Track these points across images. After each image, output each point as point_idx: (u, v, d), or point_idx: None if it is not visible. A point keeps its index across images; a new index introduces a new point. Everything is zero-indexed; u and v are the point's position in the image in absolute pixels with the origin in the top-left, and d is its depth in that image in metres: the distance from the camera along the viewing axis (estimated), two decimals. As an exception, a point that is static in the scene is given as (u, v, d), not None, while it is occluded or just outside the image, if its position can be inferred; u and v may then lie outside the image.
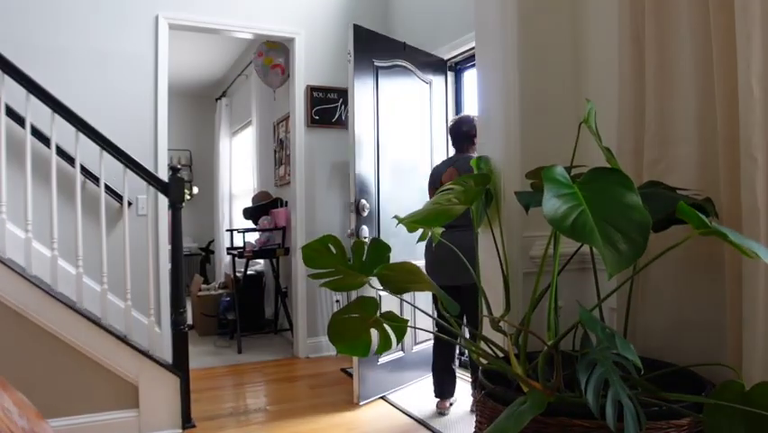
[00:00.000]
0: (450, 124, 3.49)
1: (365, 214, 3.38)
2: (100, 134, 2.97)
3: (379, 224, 3.50)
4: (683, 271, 1.64)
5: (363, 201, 3.38)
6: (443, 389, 3.30)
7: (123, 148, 3.03)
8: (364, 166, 3.44)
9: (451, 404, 3.32)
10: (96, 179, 3.40)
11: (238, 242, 5.43)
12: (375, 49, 3.56)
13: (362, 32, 3.49)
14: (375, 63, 3.57)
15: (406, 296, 2.10)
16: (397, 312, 2.49)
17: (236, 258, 5.34)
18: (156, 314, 3.63)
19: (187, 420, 2.99)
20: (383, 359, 3.48)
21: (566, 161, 1.60)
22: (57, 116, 2.90)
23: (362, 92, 3.46)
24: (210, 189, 7.85)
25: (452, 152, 4.04)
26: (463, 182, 1.90)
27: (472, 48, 3.64)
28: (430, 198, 3.33)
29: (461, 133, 3.35)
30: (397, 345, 1.74)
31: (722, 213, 1.52)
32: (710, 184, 1.58)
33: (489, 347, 1.59)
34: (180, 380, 2.96)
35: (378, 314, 1.66)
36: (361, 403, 3.34)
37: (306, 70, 4.57)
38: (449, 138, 3.50)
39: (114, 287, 3.08)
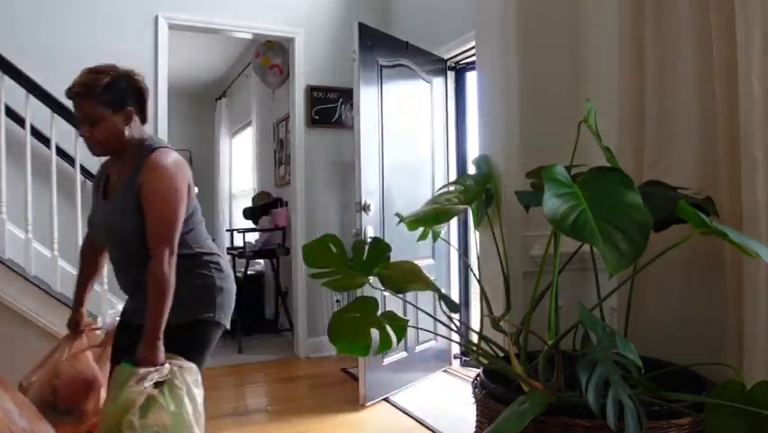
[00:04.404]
0: None
1: (370, 214, 3.37)
2: (100, 135, 2.96)
3: (384, 223, 3.49)
4: (684, 270, 1.64)
5: (368, 201, 3.36)
6: None
7: (122, 148, 3.02)
8: (369, 166, 3.43)
9: None
10: (95, 180, 3.39)
11: (238, 242, 5.42)
12: (379, 48, 3.53)
13: (367, 30, 3.44)
14: (379, 62, 3.54)
15: (409, 296, 2.09)
16: (401, 312, 2.49)
17: (236, 258, 5.34)
18: (156, 314, 3.62)
19: (187, 420, 2.98)
20: (388, 359, 3.45)
21: (566, 160, 1.60)
22: (56, 116, 2.90)
23: (367, 91, 3.42)
24: (210, 189, 7.84)
25: (453, 153, 4.03)
26: (463, 182, 1.91)
27: (472, 47, 3.63)
28: None
29: None
30: (398, 344, 1.74)
31: (723, 212, 1.52)
32: (711, 183, 1.58)
33: (490, 347, 1.59)
34: (180, 380, 2.96)
35: (378, 313, 1.66)
36: (368, 404, 3.32)
37: (306, 70, 4.56)
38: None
39: (113, 287, 3.07)
